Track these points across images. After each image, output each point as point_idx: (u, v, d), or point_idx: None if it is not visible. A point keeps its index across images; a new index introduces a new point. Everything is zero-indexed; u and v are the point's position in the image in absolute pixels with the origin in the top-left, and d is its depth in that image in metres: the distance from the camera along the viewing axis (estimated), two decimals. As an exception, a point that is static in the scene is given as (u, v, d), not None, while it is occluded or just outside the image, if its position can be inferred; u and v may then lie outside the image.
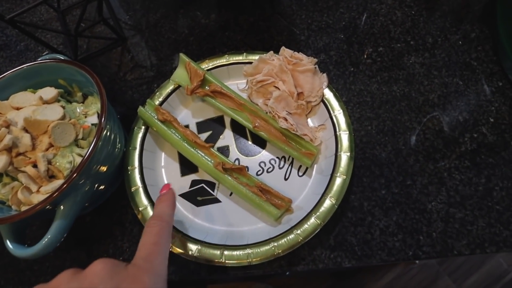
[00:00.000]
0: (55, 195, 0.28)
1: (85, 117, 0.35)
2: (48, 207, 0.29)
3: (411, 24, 0.44)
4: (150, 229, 0.24)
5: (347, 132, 0.34)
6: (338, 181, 0.32)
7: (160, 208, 0.27)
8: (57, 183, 0.31)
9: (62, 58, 0.36)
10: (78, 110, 0.35)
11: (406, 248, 0.31)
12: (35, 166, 0.31)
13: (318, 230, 0.31)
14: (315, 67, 0.37)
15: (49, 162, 0.31)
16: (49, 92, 0.34)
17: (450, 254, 0.30)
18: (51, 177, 0.32)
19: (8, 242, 0.29)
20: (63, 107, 0.33)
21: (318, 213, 0.31)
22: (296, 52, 0.38)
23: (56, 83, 0.37)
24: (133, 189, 0.35)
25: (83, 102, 0.37)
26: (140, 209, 0.34)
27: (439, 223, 0.32)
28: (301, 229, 0.31)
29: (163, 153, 0.39)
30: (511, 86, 0.38)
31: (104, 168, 0.33)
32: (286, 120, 0.35)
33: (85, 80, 0.35)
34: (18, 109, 0.34)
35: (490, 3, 0.43)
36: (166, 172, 0.38)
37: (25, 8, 0.37)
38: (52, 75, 0.36)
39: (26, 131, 0.32)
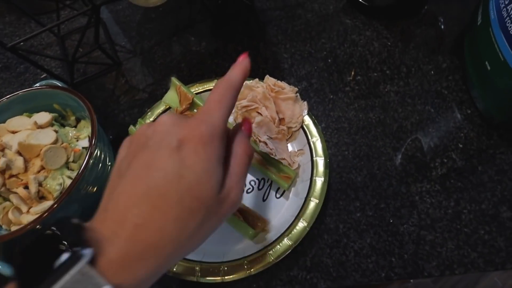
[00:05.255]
0: (44, 215, 0.30)
1: (77, 140, 0.37)
2: (38, 227, 0.30)
3: (387, 54, 0.47)
4: (215, 88, 0.25)
5: (323, 158, 0.36)
6: (311, 204, 0.34)
7: (231, 72, 0.26)
8: (47, 204, 0.33)
9: (57, 84, 0.39)
10: (70, 134, 0.37)
11: (379, 269, 0.33)
12: (26, 187, 0.33)
13: (290, 251, 0.32)
14: (296, 95, 0.40)
15: (40, 184, 0.33)
16: (43, 117, 0.36)
17: (421, 275, 0.32)
18: (41, 198, 0.33)
19: (-4, 261, 0.31)
20: (56, 131, 0.35)
21: (290, 235, 0.33)
22: (279, 81, 0.41)
23: (51, 107, 0.39)
24: None
25: (75, 126, 0.39)
26: None
27: (411, 245, 0.34)
28: (273, 250, 0.32)
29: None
30: (478, 114, 0.41)
31: (93, 189, 0.35)
32: (266, 144, 0.37)
33: (78, 105, 0.37)
34: (13, 132, 0.35)
35: (460, 36, 0.46)
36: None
37: (26, 37, 0.39)
38: (47, 100, 0.38)
39: (20, 154, 0.33)
